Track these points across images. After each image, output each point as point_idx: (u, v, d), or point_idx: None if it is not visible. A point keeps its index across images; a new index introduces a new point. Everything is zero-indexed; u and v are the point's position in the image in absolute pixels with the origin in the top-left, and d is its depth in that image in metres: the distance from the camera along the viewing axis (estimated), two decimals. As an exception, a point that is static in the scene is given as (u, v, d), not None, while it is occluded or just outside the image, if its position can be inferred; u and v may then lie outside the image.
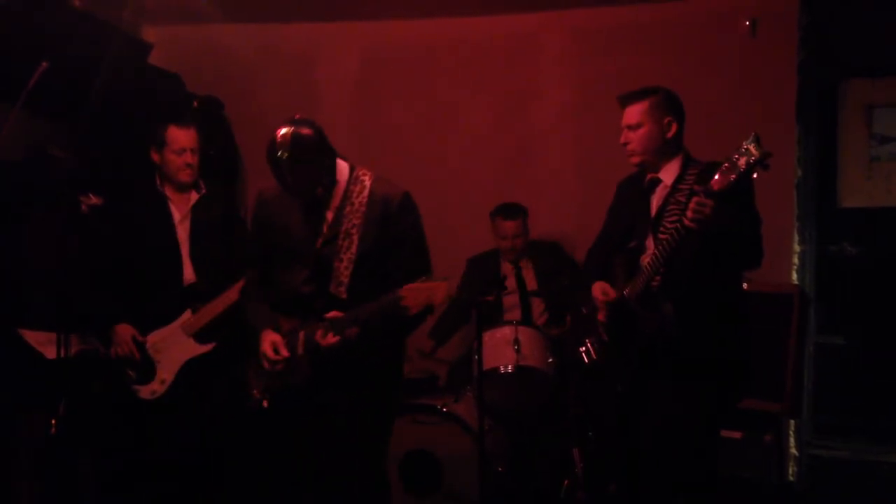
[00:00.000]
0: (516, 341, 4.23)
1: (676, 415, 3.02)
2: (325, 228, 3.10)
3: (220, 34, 5.12)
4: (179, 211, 3.82)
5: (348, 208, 3.09)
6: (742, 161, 2.63)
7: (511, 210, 4.76)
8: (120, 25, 4.70)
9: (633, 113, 3.10)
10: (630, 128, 3.11)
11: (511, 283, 4.76)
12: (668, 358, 3.01)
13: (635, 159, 3.14)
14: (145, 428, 3.74)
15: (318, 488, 3.19)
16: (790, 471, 4.61)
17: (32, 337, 3.59)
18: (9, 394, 3.63)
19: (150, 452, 3.75)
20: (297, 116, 3.05)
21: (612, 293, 3.09)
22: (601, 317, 3.15)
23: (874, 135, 4.75)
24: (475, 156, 5.32)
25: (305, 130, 2.97)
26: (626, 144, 3.13)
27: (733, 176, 2.65)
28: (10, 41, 3.71)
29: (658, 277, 2.98)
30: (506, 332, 4.31)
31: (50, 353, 3.46)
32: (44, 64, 3.28)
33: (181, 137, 3.75)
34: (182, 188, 3.83)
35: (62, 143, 3.98)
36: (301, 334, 3.07)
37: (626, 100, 3.14)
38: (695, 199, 2.73)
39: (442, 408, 4.12)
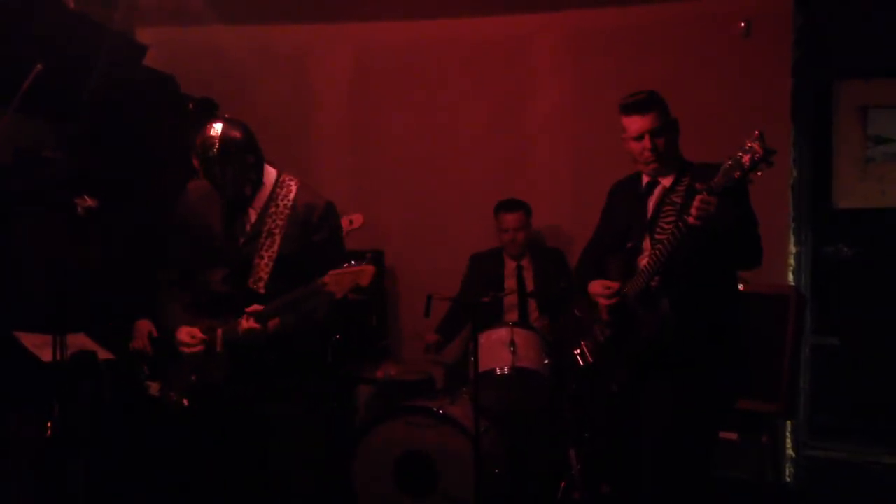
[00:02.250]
0: (512, 343, 4.23)
1: (673, 415, 3.02)
2: (247, 227, 3.15)
3: (214, 36, 5.11)
4: None
5: (273, 209, 3.13)
6: (746, 158, 2.63)
7: (513, 204, 4.82)
8: (114, 27, 4.67)
9: (653, 119, 3.03)
10: (653, 134, 3.03)
11: (512, 283, 4.78)
12: (664, 359, 3.01)
13: (654, 166, 3.08)
14: (143, 426, 3.75)
15: (239, 485, 3.20)
16: (786, 472, 4.61)
17: (28, 339, 3.57)
18: (3, 395, 3.61)
19: (145, 451, 3.75)
20: (226, 115, 3.11)
21: (615, 285, 3.09)
22: (602, 313, 3.15)
23: (869, 136, 4.76)
24: (472, 156, 5.32)
25: (235, 129, 3.04)
26: (651, 150, 3.04)
27: (737, 173, 2.65)
28: (3, 43, 3.69)
29: (657, 278, 2.97)
30: (502, 333, 4.30)
31: (45, 355, 3.45)
32: (38, 66, 3.27)
33: None
34: None
35: (56, 145, 3.96)
36: (219, 332, 3.11)
37: (644, 107, 3.05)
38: (698, 197, 2.72)
39: (437, 410, 4.11)
